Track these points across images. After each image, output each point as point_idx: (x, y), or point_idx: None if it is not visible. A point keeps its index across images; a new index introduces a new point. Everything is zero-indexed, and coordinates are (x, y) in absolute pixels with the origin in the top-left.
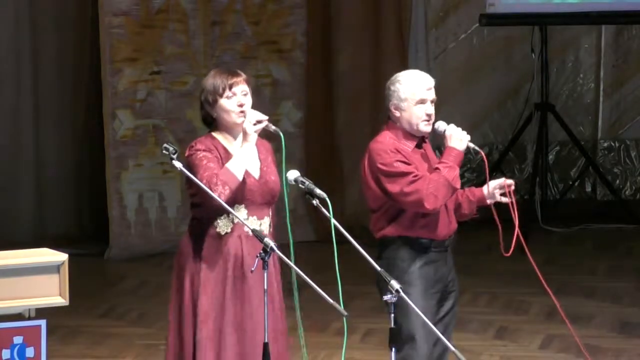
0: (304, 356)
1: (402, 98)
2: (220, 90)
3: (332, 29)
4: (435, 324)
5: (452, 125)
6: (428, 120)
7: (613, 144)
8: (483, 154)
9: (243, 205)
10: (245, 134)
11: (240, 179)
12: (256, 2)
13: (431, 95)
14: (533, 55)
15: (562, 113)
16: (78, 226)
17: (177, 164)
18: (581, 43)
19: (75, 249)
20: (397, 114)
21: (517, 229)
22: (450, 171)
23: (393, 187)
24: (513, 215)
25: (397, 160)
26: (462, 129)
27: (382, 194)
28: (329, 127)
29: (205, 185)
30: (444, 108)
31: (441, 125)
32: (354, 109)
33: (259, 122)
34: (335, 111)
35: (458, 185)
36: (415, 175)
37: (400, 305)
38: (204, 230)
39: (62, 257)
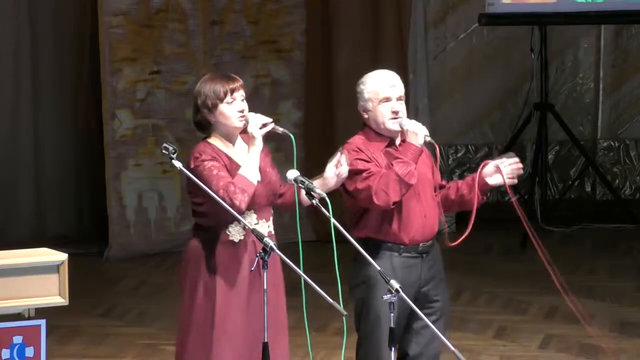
0: (310, 356)
1: (366, 99)
2: (222, 95)
3: (331, 29)
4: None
5: (411, 121)
6: (395, 118)
7: (612, 144)
8: (437, 147)
9: (252, 210)
10: (252, 138)
11: (255, 184)
12: (255, 1)
13: (396, 92)
14: (532, 55)
15: (562, 113)
16: (78, 226)
17: (177, 164)
18: (580, 43)
19: (75, 248)
20: (366, 115)
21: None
22: (403, 166)
23: (350, 185)
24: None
25: (357, 159)
26: (460, 128)
27: (346, 193)
28: (328, 126)
29: (223, 194)
30: (443, 107)
31: (404, 122)
32: (353, 109)
33: (264, 125)
34: (335, 111)
35: (412, 181)
36: (370, 172)
37: (367, 302)
38: (216, 239)
39: (61, 256)
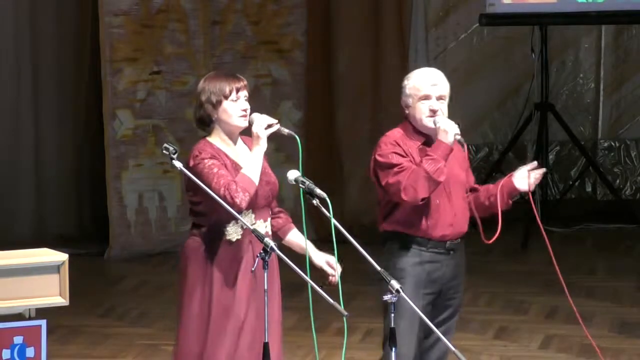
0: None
1: (407, 94)
2: (227, 92)
3: (332, 29)
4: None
5: (442, 118)
6: (432, 116)
7: (613, 144)
8: (466, 146)
9: (250, 210)
10: (256, 137)
11: (257, 183)
12: (256, 1)
13: (437, 91)
14: (533, 55)
15: (562, 113)
16: (78, 226)
17: (177, 164)
18: (581, 43)
19: (75, 249)
20: (407, 110)
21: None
22: (432, 163)
23: (383, 178)
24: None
25: (393, 152)
26: (461, 129)
27: (378, 185)
28: (329, 127)
29: (224, 192)
30: None
31: (438, 119)
32: (354, 109)
33: (270, 126)
34: (335, 111)
35: (441, 178)
36: (402, 167)
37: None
38: (214, 238)
39: (62, 257)
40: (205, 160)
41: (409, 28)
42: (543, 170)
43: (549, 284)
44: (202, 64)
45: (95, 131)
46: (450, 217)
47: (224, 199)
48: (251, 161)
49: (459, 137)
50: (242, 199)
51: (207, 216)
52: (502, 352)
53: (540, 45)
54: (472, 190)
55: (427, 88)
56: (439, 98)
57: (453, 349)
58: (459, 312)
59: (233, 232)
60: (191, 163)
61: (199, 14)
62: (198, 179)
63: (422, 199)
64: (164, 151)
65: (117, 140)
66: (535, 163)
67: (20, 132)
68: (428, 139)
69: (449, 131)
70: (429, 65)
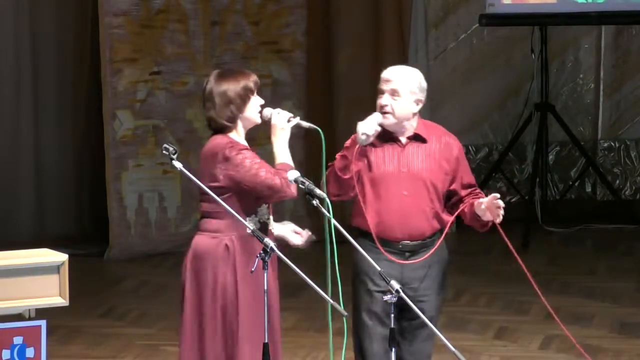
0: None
1: None
2: (253, 87)
3: (332, 29)
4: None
5: (369, 119)
6: (383, 112)
7: (613, 144)
8: (361, 149)
9: (267, 205)
10: (280, 130)
11: None
12: (256, 2)
13: (389, 86)
14: (533, 55)
15: (562, 113)
16: (78, 226)
17: (177, 164)
18: (581, 43)
19: (75, 249)
20: None
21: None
22: (340, 161)
23: None
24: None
25: (346, 145)
26: (461, 129)
27: None
28: (329, 127)
29: (280, 180)
30: (443, 108)
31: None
32: (354, 109)
33: (289, 120)
34: (335, 111)
35: (345, 176)
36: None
37: (353, 288)
38: (233, 231)
39: (62, 257)
40: (244, 151)
41: (409, 28)
42: (499, 203)
43: (550, 284)
44: (202, 65)
45: (95, 131)
46: (400, 218)
47: (280, 186)
48: (283, 151)
49: (364, 137)
50: (294, 186)
51: (225, 211)
52: (502, 352)
53: (540, 45)
54: (453, 194)
55: (382, 83)
56: (392, 93)
57: (453, 349)
58: (431, 318)
59: (252, 225)
60: (228, 153)
61: (199, 14)
62: (237, 168)
63: (335, 195)
64: (164, 151)
65: (117, 140)
66: (498, 194)
67: (20, 132)
68: (387, 133)
69: (358, 131)
70: (428, 66)
